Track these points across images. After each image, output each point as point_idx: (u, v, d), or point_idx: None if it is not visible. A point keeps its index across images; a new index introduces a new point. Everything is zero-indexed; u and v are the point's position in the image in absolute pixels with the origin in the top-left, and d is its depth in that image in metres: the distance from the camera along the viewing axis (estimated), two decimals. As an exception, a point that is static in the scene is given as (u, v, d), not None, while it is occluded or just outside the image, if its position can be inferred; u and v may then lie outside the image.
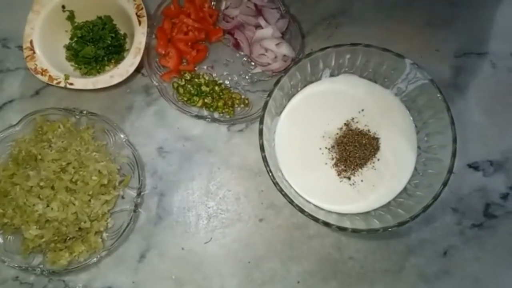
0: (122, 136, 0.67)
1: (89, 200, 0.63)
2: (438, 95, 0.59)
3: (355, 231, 0.56)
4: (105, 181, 0.64)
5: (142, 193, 0.65)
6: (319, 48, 0.61)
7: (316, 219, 0.56)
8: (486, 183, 0.68)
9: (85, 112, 0.67)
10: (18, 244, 0.63)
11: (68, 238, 0.63)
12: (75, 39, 0.72)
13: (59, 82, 0.66)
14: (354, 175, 0.63)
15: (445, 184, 0.56)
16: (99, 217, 0.63)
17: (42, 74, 0.66)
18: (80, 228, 0.62)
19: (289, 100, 0.66)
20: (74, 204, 0.61)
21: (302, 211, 0.56)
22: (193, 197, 0.68)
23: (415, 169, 0.63)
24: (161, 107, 0.71)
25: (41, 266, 0.62)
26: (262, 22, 0.70)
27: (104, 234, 0.64)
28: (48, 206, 0.61)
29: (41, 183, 0.61)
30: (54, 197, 0.61)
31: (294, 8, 0.72)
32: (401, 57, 0.60)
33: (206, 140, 0.70)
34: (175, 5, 0.71)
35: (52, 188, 0.62)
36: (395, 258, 0.65)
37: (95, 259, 0.62)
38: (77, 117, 0.67)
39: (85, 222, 0.62)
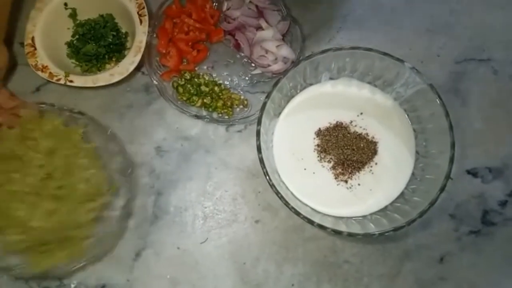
0: (113, 144, 0.63)
1: (75, 208, 0.59)
2: (437, 100, 0.58)
3: (350, 235, 0.56)
4: (93, 190, 0.61)
5: (130, 202, 0.63)
6: (319, 51, 0.61)
7: (311, 222, 0.56)
8: (484, 190, 0.67)
9: (76, 111, 0.64)
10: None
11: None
12: (77, 36, 0.72)
13: (59, 79, 0.66)
14: (351, 179, 0.63)
15: (442, 189, 0.56)
16: (83, 224, 0.60)
17: (42, 71, 0.66)
18: (63, 235, 0.59)
19: (288, 102, 0.66)
20: (59, 212, 0.58)
21: (297, 213, 0.56)
22: (190, 197, 0.68)
23: (413, 174, 0.62)
24: (161, 106, 0.71)
25: (19, 268, 0.59)
26: (263, 23, 0.70)
27: (88, 241, 0.61)
28: (31, 213, 0.57)
29: (26, 189, 0.58)
30: (39, 205, 0.58)
31: (296, 10, 0.72)
32: (401, 61, 0.60)
33: (205, 140, 0.70)
34: (177, 5, 0.72)
35: (37, 194, 0.58)
36: (391, 263, 0.65)
37: (75, 266, 0.60)
38: (67, 114, 0.64)
39: (68, 229, 0.59)
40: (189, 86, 0.69)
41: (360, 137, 0.64)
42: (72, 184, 0.60)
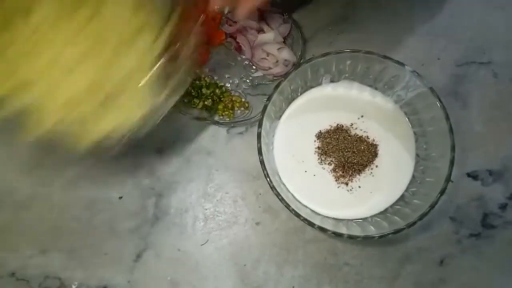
0: None
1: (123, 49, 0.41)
2: (438, 103, 0.59)
3: (351, 237, 0.56)
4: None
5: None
6: (320, 54, 0.61)
7: (312, 224, 0.56)
8: (484, 192, 0.67)
9: None
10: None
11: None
12: (79, 38, 0.72)
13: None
14: (351, 181, 0.63)
15: (442, 192, 0.56)
16: (138, 69, 0.42)
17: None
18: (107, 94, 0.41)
19: (289, 104, 0.66)
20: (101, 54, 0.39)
21: (298, 215, 0.56)
22: (191, 198, 0.68)
23: (413, 176, 0.63)
24: (162, 108, 0.71)
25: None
26: (264, 26, 0.70)
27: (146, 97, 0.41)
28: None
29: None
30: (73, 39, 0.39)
31: (297, 13, 0.73)
32: (401, 64, 0.60)
33: (205, 142, 0.70)
34: (179, 8, 0.72)
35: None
36: (391, 265, 0.65)
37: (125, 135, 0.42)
38: None
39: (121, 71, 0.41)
40: (190, 88, 0.69)
41: (360, 139, 0.64)
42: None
